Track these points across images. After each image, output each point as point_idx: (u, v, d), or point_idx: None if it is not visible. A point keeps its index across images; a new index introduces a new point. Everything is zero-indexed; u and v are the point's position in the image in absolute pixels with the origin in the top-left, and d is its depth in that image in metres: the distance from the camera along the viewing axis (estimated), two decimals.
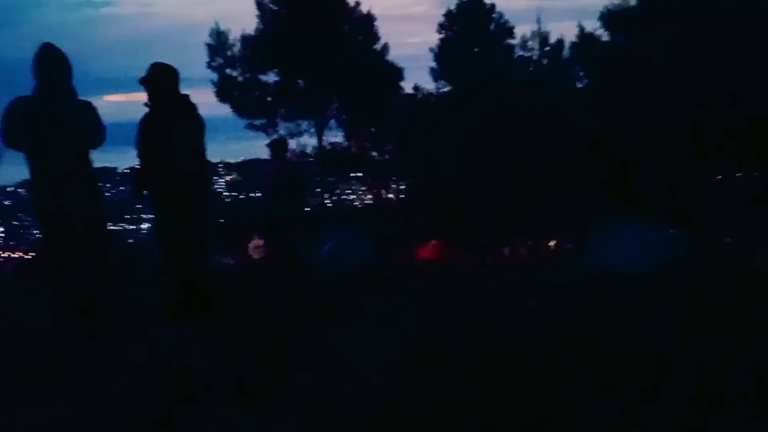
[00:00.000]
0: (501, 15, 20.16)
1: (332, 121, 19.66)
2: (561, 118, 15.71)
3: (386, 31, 21.31)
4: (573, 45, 17.60)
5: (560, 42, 18.22)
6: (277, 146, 8.25)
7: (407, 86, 19.93)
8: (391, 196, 24.03)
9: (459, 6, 20.04)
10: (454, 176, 16.83)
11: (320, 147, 19.53)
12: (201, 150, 4.65)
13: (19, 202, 58.38)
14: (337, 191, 27.01)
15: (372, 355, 3.10)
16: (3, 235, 61.38)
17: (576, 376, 2.45)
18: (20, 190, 55.42)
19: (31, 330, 4.19)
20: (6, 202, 59.97)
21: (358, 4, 18.77)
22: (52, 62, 4.14)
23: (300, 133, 19.46)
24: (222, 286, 5.56)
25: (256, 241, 11.45)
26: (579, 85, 18.03)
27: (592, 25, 16.53)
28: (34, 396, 2.67)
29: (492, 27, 20.02)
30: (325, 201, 21.39)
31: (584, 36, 17.01)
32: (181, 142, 4.45)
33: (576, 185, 15.05)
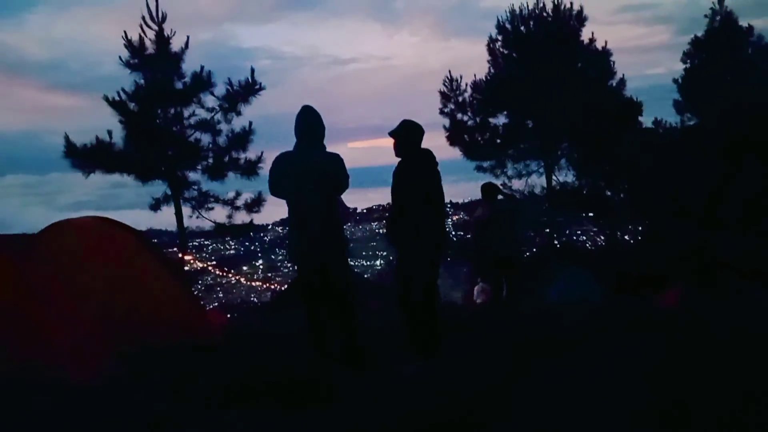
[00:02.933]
0: (762, 38, 17.95)
1: (562, 161, 19.10)
2: None
3: (623, 64, 20.18)
4: None
5: None
6: (488, 190, 8.32)
7: (646, 121, 18.66)
8: (626, 237, 22.45)
9: (708, 32, 18.36)
10: (701, 217, 15.10)
11: (549, 187, 19.06)
12: (440, 199, 5.04)
13: (276, 238, 66.43)
14: (567, 231, 25.95)
15: (606, 404, 2.88)
16: (262, 267, 70.15)
17: None
18: (278, 228, 63.11)
19: (283, 355, 4.70)
20: (266, 238, 68.45)
21: (592, 40, 18.19)
22: (309, 122, 4.80)
23: (528, 174, 19.24)
24: (451, 323, 5.69)
25: (480, 284, 11.50)
26: None
27: None
28: (286, 414, 2.97)
29: (749, 51, 17.93)
30: (554, 242, 20.69)
31: None
32: (426, 192, 4.86)
33: None
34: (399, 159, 5.01)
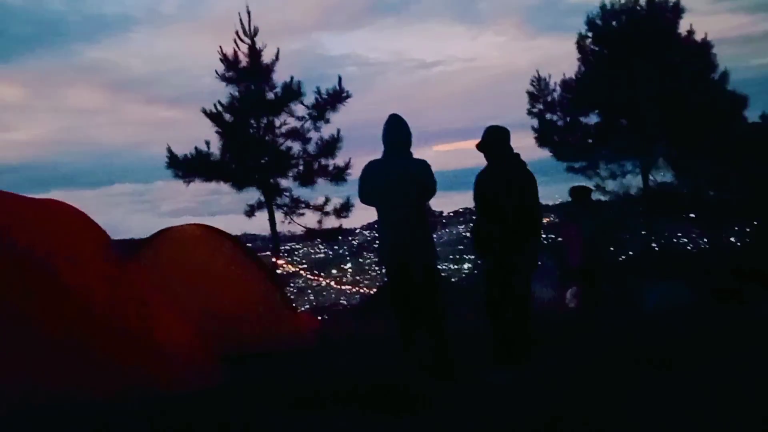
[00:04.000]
0: None
1: (659, 160, 18.17)
2: None
3: (725, 56, 19.00)
4: None
5: None
6: (578, 193, 8.05)
7: (752, 115, 17.43)
8: (732, 239, 21.05)
9: None
10: None
11: (646, 188, 18.18)
12: (534, 204, 4.93)
13: (364, 242, 67.43)
14: (666, 234, 24.65)
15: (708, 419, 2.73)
16: (351, 270, 71.38)
17: None
18: (365, 231, 64.03)
19: (374, 360, 4.76)
20: (354, 242, 69.61)
21: (690, 33, 17.22)
22: (396, 131, 4.86)
23: (623, 174, 18.44)
24: (542, 329, 5.56)
25: (573, 289, 11.16)
26: None
27: None
28: (376, 421, 3.01)
29: None
30: (652, 245, 19.71)
31: None
32: (515, 199, 4.77)
33: None
34: (486, 163, 4.96)
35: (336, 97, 15.08)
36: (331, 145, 15.34)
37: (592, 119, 18.41)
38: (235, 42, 14.99)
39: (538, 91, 18.67)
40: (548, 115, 18.66)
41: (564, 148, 18.39)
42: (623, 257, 21.53)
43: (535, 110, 18.70)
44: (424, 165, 4.89)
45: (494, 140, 4.94)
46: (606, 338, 5.56)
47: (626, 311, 8.48)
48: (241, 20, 14.96)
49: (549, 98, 18.59)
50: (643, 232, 19.39)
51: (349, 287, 63.92)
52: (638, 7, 17.46)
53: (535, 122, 18.64)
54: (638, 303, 9.62)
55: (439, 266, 5.27)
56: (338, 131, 15.34)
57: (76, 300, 3.54)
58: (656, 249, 20.46)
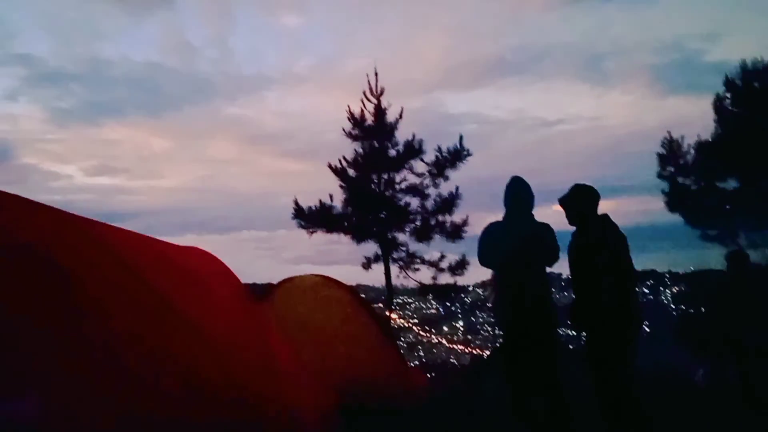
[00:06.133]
0: None
1: None
2: None
3: None
4: None
5: None
6: (736, 259, 7.44)
7: None
8: None
9: None
10: None
11: None
12: (631, 268, 4.47)
13: (478, 300, 66.15)
14: None
15: None
16: (462, 329, 70.08)
17: None
18: (479, 289, 62.89)
19: (485, 424, 4.63)
20: (467, 300, 68.50)
21: None
22: (518, 193, 4.82)
23: (766, 244, 16.92)
24: (683, 410, 5.16)
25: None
26: None
27: None
28: None
29: None
30: None
31: None
32: (606, 264, 4.29)
33: None
34: (573, 228, 4.60)
35: (456, 156, 15.29)
36: (449, 202, 15.47)
37: (730, 184, 17.22)
38: (362, 102, 15.75)
39: (670, 153, 17.80)
40: (681, 179, 17.68)
41: (698, 213, 17.27)
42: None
43: (666, 173, 17.80)
44: (546, 229, 4.79)
45: (581, 197, 4.58)
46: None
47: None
48: (369, 81, 15.74)
49: (682, 161, 17.66)
50: None
51: (460, 346, 62.66)
52: None
53: (665, 185, 17.75)
54: None
55: (560, 331, 5.07)
56: (456, 188, 15.49)
57: (213, 345, 3.74)
58: None
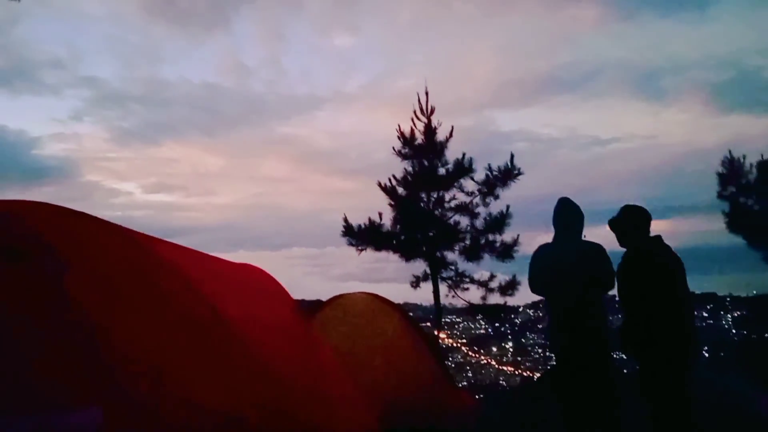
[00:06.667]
0: None
1: None
2: None
3: None
4: None
5: None
6: None
7: None
8: None
9: None
10: None
11: None
12: (687, 294, 4.28)
13: (528, 321, 64.92)
14: None
15: None
16: (512, 350, 68.80)
17: None
18: (529, 310, 61.74)
19: None
20: (517, 320, 67.31)
21: None
22: (567, 214, 4.74)
23: None
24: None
25: None
26: None
27: None
28: None
29: None
30: None
31: None
32: (658, 288, 4.13)
33: None
34: (624, 250, 4.46)
35: (507, 174, 15.13)
36: (499, 221, 15.30)
37: None
38: (413, 120, 15.82)
39: (731, 172, 17.20)
40: (742, 199, 17.05)
41: (760, 234, 16.58)
42: None
43: (726, 193, 17.19)
44: (598, 250, 4.64)
45: (632, 219, 4.41)
46: None
47: None
48: (419, 100, 15.81)
49: (743, 180, 17.03)
50: None
51: (510, 367, 61.50)
52: None
53: (725, 206, 17.13)
54: None
55: (614, 356, 4.92)
56: (507, 207, 15.31)
57: (264, 362, 3.80)
58: None
